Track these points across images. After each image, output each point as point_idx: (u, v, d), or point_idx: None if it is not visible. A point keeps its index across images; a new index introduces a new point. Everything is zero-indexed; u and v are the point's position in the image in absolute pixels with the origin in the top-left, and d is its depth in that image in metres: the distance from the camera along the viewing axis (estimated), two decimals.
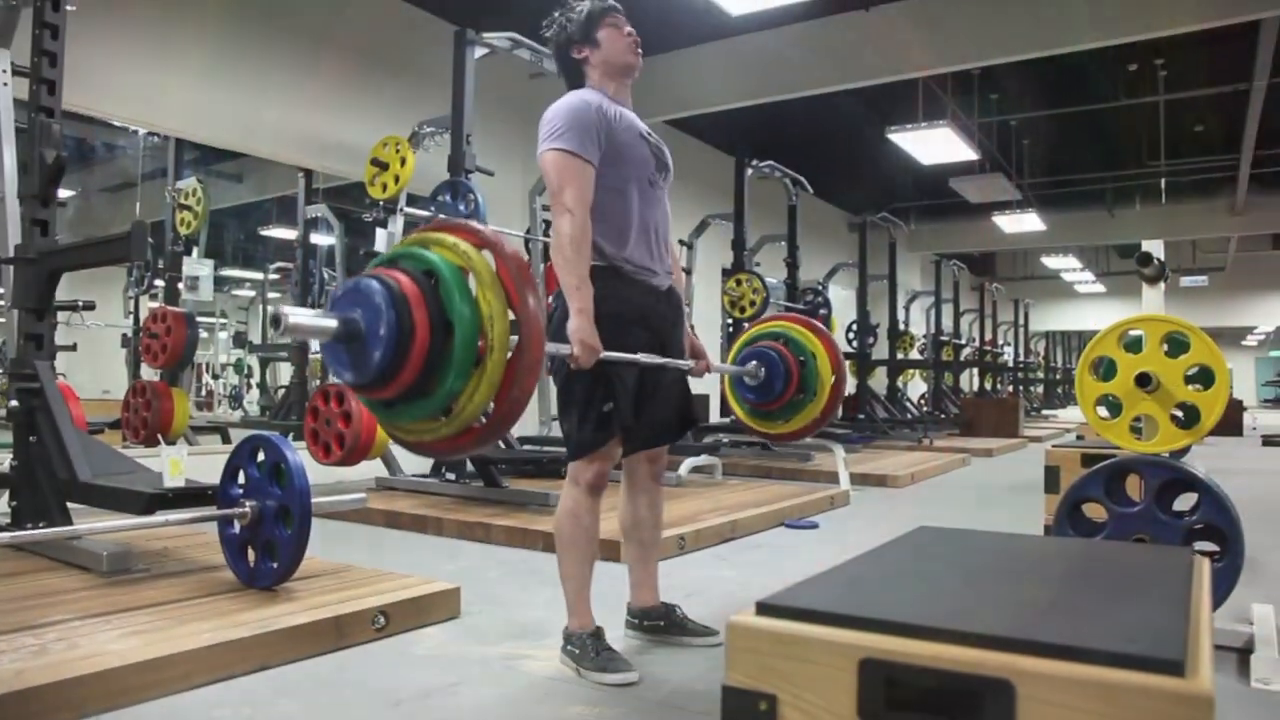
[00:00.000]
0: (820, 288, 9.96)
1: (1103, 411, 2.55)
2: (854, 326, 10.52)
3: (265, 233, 10.10)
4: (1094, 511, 2.46)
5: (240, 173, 8.86)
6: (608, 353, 2.06)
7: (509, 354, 1.57)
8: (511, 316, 1.59)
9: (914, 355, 12.35)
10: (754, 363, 2.89)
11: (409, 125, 5.32)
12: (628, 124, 2.28)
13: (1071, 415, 17.17)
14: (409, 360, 1.53)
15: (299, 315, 1.54)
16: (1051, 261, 16.77)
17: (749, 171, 7.61)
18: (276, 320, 1.53)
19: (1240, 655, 2.30)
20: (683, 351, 2.43)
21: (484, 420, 1.62)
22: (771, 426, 3.02)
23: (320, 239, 7.76)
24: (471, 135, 4.86)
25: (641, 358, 2.20)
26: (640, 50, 2.39)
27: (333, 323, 1.55)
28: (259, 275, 10.88)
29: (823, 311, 9.29)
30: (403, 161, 4.83)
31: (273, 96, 5.83)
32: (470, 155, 4.83)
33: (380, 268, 1.63)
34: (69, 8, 3.25)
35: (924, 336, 12.95)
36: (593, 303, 2.07)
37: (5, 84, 3.50)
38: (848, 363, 10.00)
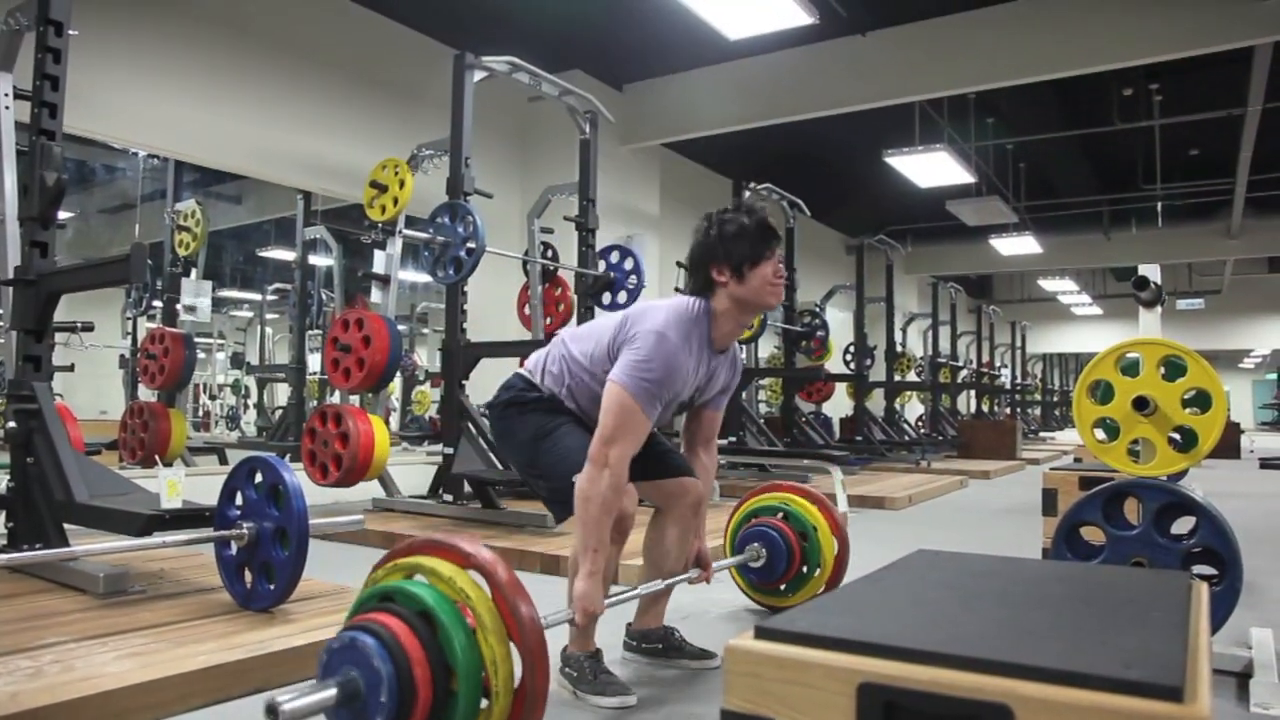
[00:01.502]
0: (818, 310, 9.98)
1: (1100, 434, 2.55)
2: (851, 348, 10.53)
3: (264, 254, 10.12)
4: (1092, 535, 2.46)
5: (239, 194, 8.89)
6: (606, 603, 2.05)
7: (515, 694, 1.52)
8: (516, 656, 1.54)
9: (911, 377, 12.36)
10: (756, 545, 2.90)
11: (408, 148, 5.34)
12: (687, 383, 2.19)
13: (1069, 437, 17.17)
14: (413, 718, 1.47)
15: (297, 702, 1.40)
16: (1048, 284, 16.82)
17: (746, 194, 7.64)
18: (273, 711, 1.38)
19: (1239, 680, 2.29)
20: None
21: None
22: (778, 600, 3.03)
23: (319, 260, 7.78)
24: (470, 158, 4.88)
25: (641, 590, 2.24)
26: (783, 289, 2.22)
27: (331, 692, 1.46)
28: (257, 296, 10.89)
29: (820, 334, 9.31)
30: (401, 184, 4.85)
31: (272, 119, 5.87)
32: (469, 178, 4.85)
33: (372, 612, 1.56)
34: (71, 32, 3.27)
35: (921, 358, 12.96)
36: (601, 567, 2.02)
37: (7, 107, 3.52)
38: (844, 385, 10.08)
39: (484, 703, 1.50)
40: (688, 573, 2.41)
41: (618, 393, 2.04)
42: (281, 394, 9.28)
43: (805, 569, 2.91)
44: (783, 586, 2.96)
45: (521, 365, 2.42)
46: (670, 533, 2.36)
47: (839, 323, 11.14)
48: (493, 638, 1.51)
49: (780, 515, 2.95)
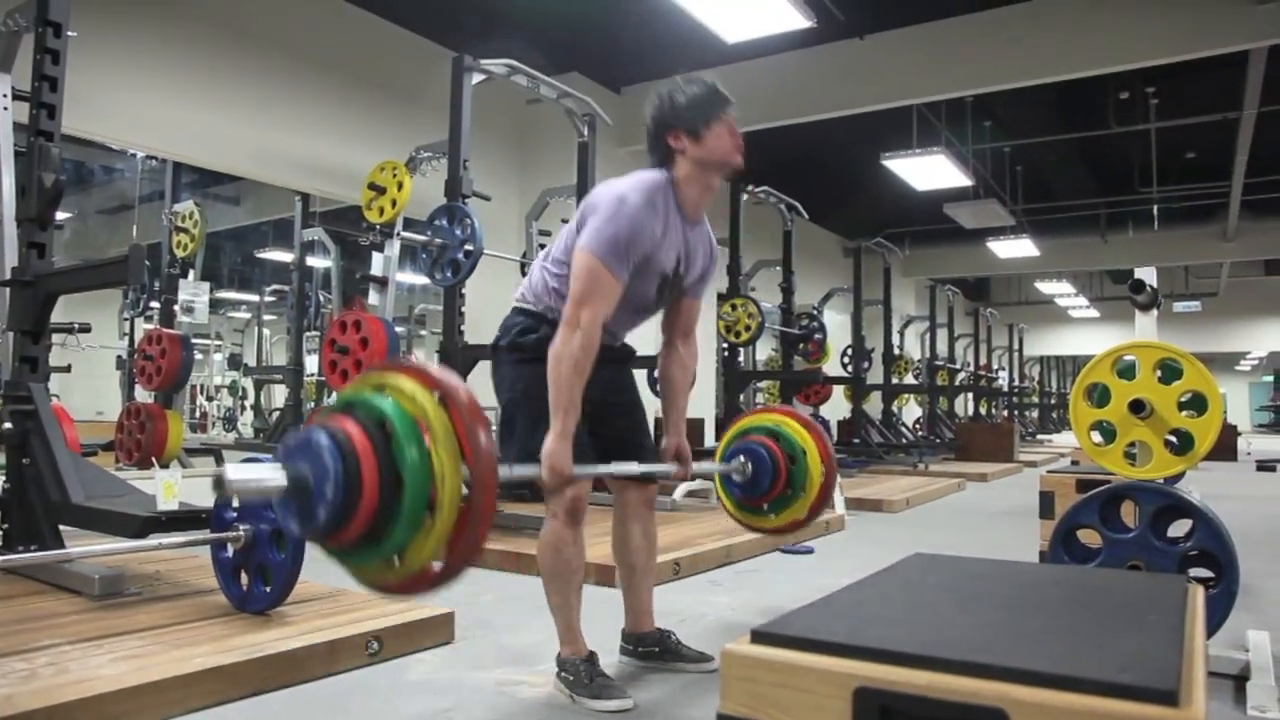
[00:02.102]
0: (815, 312, 9.99)
1: (1097, 437, 2.56)
2: (849, 351, 10.55)
3: (262, 255, 10.13)
4: (1089, 537, 2.46)
5: (237, 196, 8.89)
6: (579, 467, 2.03)
7: (460, 508, 1.55)
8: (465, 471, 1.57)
9: (909, 380, 12.38)
10: (741, 458, 2.86)
11: (406, 150, 5.34)
12: (665, 254, 2.20)
13: (1067, 440, 17.18)
14: (357, 515, 1.50)
15: (241, 473, 1.49)
16: (1045, 287, 16.85)
17: (744, 197, 7.65)
18: (219, 482, 1.47)
19: (1236, 683, 2.30)
20: (627, 392, 2.44)
21: (438, 566, 1.60)
22: (758, 521, 2.98)
23: (316, 262, 7.78)
24: (469, 160, 4.88)
25: (614, 469, 2.21)
26: (742, 145, 2.25)
27: (280, 482, 1.51)
28: (255, 298, 10.89)
29: (818, 336, 9.32)
30: (400, 186, 4.85)
31: (270, 120, 5.86)
32: (467, 180, 4.85)
33: (334, 414, 1.59)
34: (70, 34, 3.27)
35: (919, 361, 12.98)
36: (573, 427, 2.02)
37: (6, 108, 3.53)
38: (842, 387, 10.09)
39: (428, 517, 1.52)
40: (667, 466, 2.38)
41: (583, 257, 2.06)
42: (279, 395, 9.28)
43: (790, 491, 2.87)
44: (765, 505, 2.91)
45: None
46: (634, 531, 2.40)
47: (837, 325, 11.14)
48: (444, 452, 1.53)
49: (773, 435, 2.90)
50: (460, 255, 4.59)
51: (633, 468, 2.24)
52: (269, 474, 1.51)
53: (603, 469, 2.17)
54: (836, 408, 11.21)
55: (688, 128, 2.19)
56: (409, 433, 1.53)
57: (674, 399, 2.47)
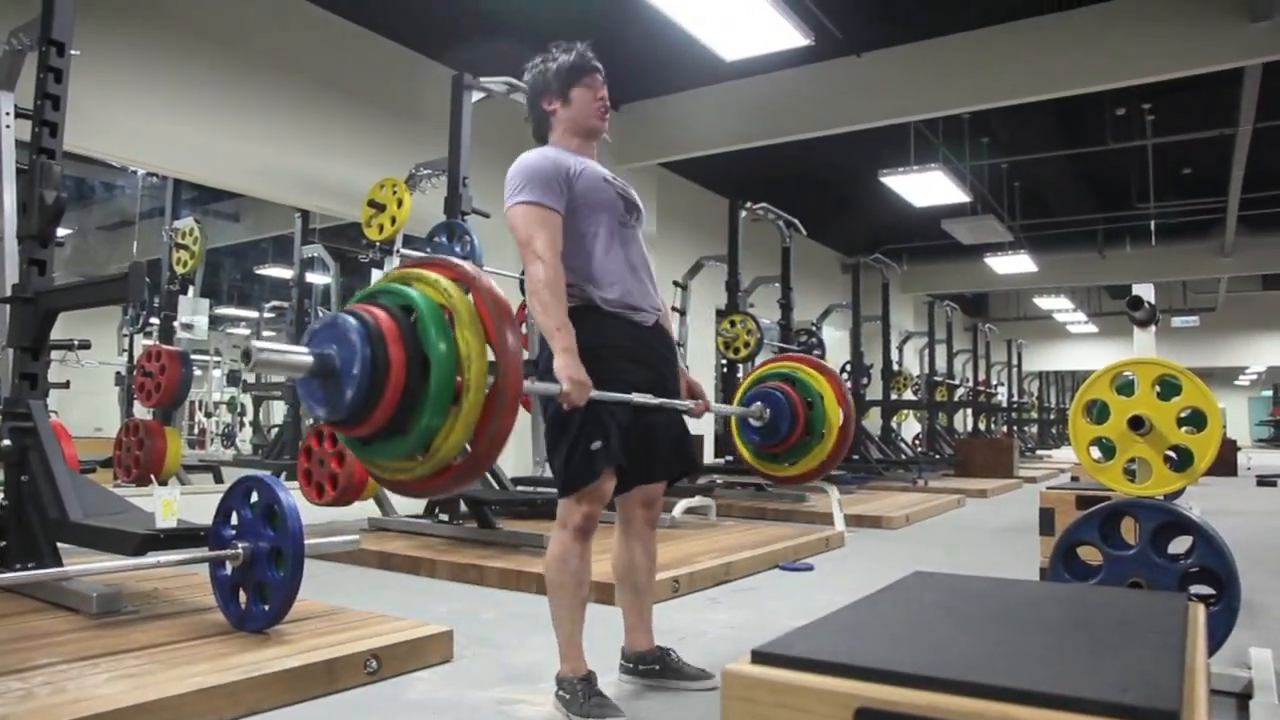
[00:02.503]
0: (814, 329, 10.01)
1: (1096, 454, 2.56)
2: (848, 367, 10.56)
3: (261, 272, 10.13)
4: (1089, 554, 2.46)
5: (237, 212, 8.91)
6: (599, 392, 2.06)
7: (486, 392, 1.55)
8: (490, 356, 1.58)
9: (908, 396, 12.38)
10: (759, 404, 2.85)
11: (406, 167, 5.36)
12: (590, 172, 2.29)
13: (1066, 455, 17.18)
14: (384, 398, 1.50)
15: (269, 348, 1.51)
16: (1044, 302, 16.89)
17: (743, 213, 7.68)
18: (247, 355, 1.50)
19: (1239, 701, 2.29)
20: (679, 390, 2.44)
21: (462, 459, 1.60)
22: (778, 469, 2.97)
23: (316, 278, 7.79)
24: (468, 178, 4.90)
25: (635, 397, 2.19)
26: (608, 116, 2.38)
27: (307, 358, 1.51)
28: (254, 314, 10.89)
29: (816, 352, 9.32)
30: (399, 203, 4.86)
31: (271, 137, 5.89)
32: (467, 197, 4.87)
33: (360, 303, 1.62)
34: (73, 52, 3.28)
35: (918, 377, 12.99)
36: (576, 341, 2.07)
37: (8, 126, 3.54)
38: None
39: (454, 407, 1.53)
40: (685, 401, 2.42)
41: (511, 212, 2.18)
42: (278, 412, 9.27)
43: (809, 438, 2.85)
44: (783, 452, 2.89)
45: None
46: (635, 549, 2.40)
47: (835, 341, 11.17)
48: (470, 334, 1.55)
49: (788, 381, 2.89)
50: None
51: (650, 399, 2.24)
52: (297, 350, 1.51)
53: (623, 396, 2.16)
54: None
55: (558, 91, 2.32)
56: (435, 317, 1.55)
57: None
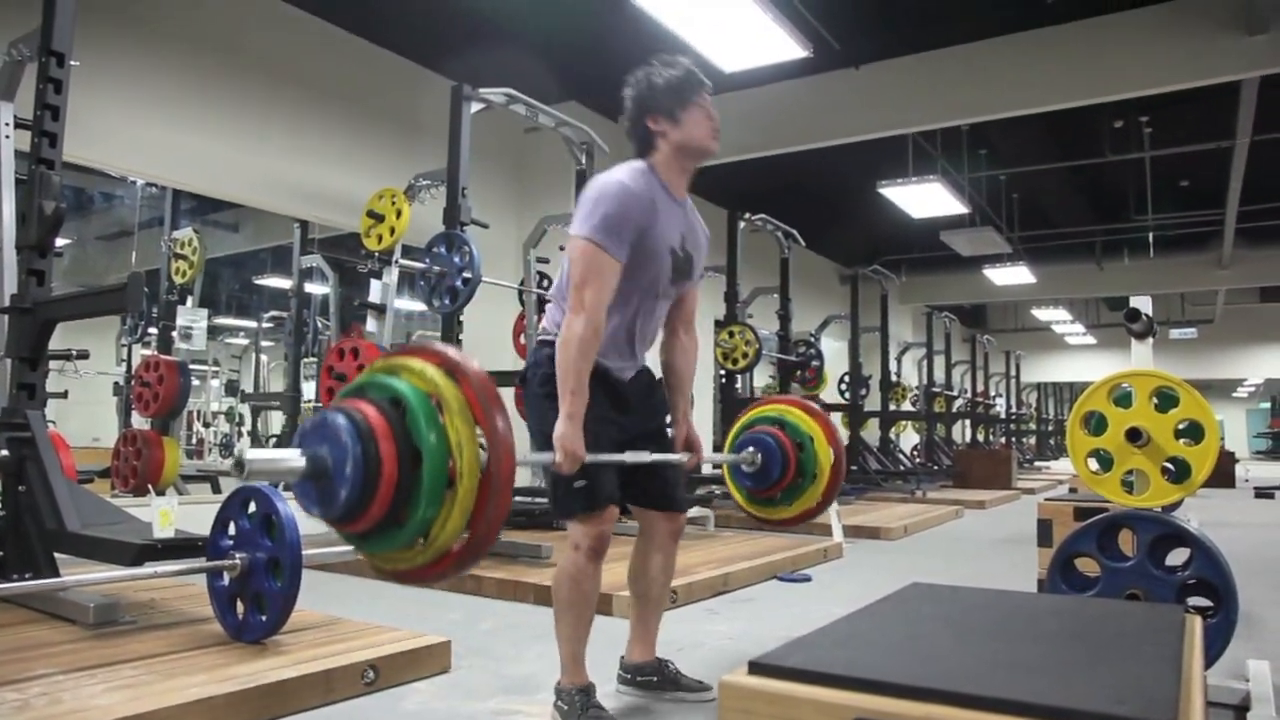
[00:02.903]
0: (812, 339, 10.01)
1: (1094, 465, 2.56)
2: (846, 378, 10.57)
3: (260, 282, 10.14)
4: (1087, 566, 2.46)
5: (236, 222, 8.92)
6: (592, 455, 2.04)
7: (480, 476, 1.56)
8: (481, 440, 1.58)
9: (906, 407, 12.39)
10: (750, 449, 2.87)
11: (405, 178, 5.37)
12: (658, 234, 2.19)
13: (1064, 467, 17.16)
14: (378, 493, 1.52)
15: (262, 458, 1.50)
16: (1042, 314, 16.90)
17: (741, 224, 7.69)
18: (240, 465, 1.49)
19: (1236, 713, 2.29)
20: (663, 428, 2.43)
21: (460, 543, 1.60)
22: (772, 512, 2.99)
23: (315, 289, 7.79)
24: (467, 188, 4.91)
25: (628, 457, 2.19)
26: (718, 131, 2.27)
27: (299, 463, 1.52)
28: (253, 324, 10.90)
29: (815, 363, 9.33)
30: (398, 214, 4.87)
31: (270, 148, 5.90)
32: (466, 208, 4.88)
33: (348, 399, 1.62)
34: (73, 63, 3.30)
35: (916, 388, 13.00)
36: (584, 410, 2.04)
37: (7, 136, 3.55)
38: (839, 414, 10.10)
39: (449, 493, 1.54)
40: (679, 455, 2.39)
41: (576, 243, 2.09)
42: (276, 422, 9.26)
43: (801, 479, 2.87)
44: (778, 495, 2.91)
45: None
46: (654, 560, 2.37)
47: (834, 352, 11.17)
48: (460, 422, 1.54)
49: (778, 425, 2.91)
50: (458, 283, 4.61)
51: (644, 456, 2.23)
52: (288, 456, 1.51)
53: (616, 457, 2.16)
54: None
55: (666, 111, 2.20)
56: (424, 408, 1.55)
57: (679, 388, 2.49)
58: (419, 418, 1.53)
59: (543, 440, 2.20)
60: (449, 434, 1.54)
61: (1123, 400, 2.51)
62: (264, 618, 2.54)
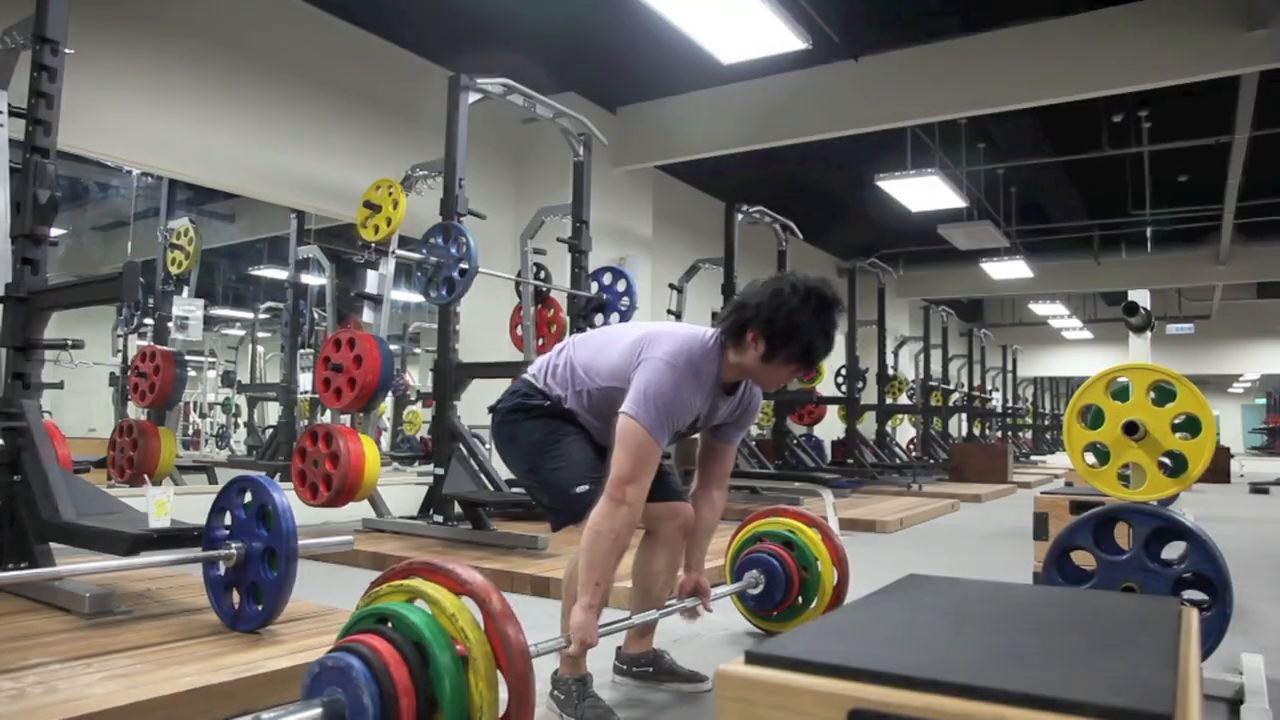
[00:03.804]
0: None
1: (1091, 459, 2.56)
2: (843, 371, 10.58)
3: (256, 272, 10.12)
4: (1083, 559, 2.46)
5: (232, 213, 8.90)
6: (601, 629, 2.04)
7: None
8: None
9: (903, 400, 12.40)
10: (755, 572, 2.92)
11: (402, 168, 5.36)
12: (700, 409, 2.20)
13: (1060, 461, 17.21)
14: None
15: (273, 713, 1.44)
16: (1039, 308, 16.91)
17: (739, 216, 7.68)
18: None
19: (1230, 706, 2.29)
20: None
21: None
22: (773, 625, 3.05)
23: (311, 279, 7.78)
24: (464, 179, 4.90)
25: (637, 620, 2.26)
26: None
27: (316, 711, 1.48)
28: (249, 315, 10.88)
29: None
30: (395, 204, 4.86)
31: (266, 138, 5.88)
32: (463, 199, 4.87)
33: (366, 634, 1.57)
34: (67, 51, 3.28)
35: (913, 382, 13.02)
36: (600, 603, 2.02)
37: (1, 125, 3.53)
38: (836, 407, 10.10)
39: None
40: (685, 601, 2.40)
41: (634, 428, 2.03)
42: (272, 413, 9.25)
43: (801, 600, 2.93)
44: (774, 614, 2.97)
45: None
46: (660, 557, 2.35)
47: None
48: (483, 683, 1.52)
49: (785, 544, 2.96)
50: (455, 273, 4.60)
51: (653, 615, 2.30)
52: (304, 712, 1.47)
53: (621, 625, 2.18)
54: (830, 428, 11.23)
55: (770, 342, 2.08)
56: (448, 658, 1.51)
57: (699, 539, 2.43)
58: (443, 676, 1.49)
59: (516, 453, 2.28)
60: (473, 695, 1.51)
61: (1120, 394, 2.50)
62: (259, 607, 2.54)
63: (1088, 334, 20.01)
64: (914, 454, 12.11)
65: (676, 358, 2.09)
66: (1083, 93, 6.59)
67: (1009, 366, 18.19)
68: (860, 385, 10.32)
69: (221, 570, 2.64)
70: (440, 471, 4.92)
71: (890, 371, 11.49)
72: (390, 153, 6.25)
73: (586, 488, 2.14)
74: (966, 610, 1.50)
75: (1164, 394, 2.46)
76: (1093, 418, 2.54)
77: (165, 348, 5.64)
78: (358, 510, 5.05)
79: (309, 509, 4.43)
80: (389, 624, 1.59)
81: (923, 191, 8.48)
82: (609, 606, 3.18)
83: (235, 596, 2.63)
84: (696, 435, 2.40)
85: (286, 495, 2.61)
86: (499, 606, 1.57)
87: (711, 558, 2.70)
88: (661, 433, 2.05)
